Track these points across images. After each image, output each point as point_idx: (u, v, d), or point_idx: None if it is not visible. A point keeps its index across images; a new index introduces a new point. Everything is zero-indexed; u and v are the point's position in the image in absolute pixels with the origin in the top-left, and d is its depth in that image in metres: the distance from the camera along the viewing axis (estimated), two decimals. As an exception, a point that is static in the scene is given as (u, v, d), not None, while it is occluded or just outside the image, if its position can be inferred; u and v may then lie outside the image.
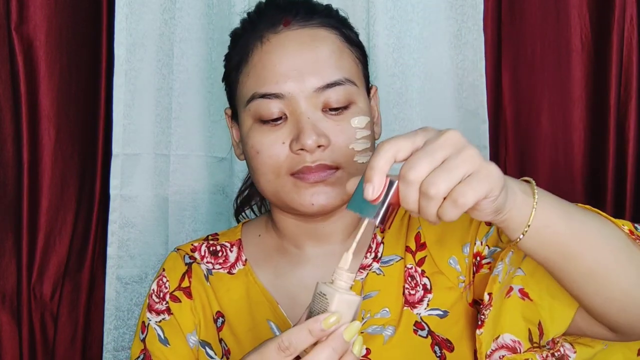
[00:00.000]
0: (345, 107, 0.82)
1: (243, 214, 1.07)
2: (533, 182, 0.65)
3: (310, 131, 0.79)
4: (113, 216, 1.31)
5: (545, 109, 1.36)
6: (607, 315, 0.68)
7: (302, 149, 0.79)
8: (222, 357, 0.86)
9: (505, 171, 1.37)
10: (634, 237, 0.70)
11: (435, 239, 0.85)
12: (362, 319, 0.84)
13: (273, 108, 0.81)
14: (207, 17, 1.33)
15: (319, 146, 0.80)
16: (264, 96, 0.81)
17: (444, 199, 0.57)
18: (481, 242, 0.81)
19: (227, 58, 0.90)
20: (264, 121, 0.82)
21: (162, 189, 1.34)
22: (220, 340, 0.87)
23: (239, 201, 1.06)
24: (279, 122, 0.82)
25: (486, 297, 0.74)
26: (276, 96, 0.81)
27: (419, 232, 0.86)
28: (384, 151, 0.58)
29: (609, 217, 0.71)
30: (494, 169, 0.58)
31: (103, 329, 1.32)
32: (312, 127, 0.79)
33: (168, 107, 1.33)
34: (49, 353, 1.32)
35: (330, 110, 0.81)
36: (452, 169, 0.56)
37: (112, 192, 1.30)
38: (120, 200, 1.31)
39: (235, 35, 0.90)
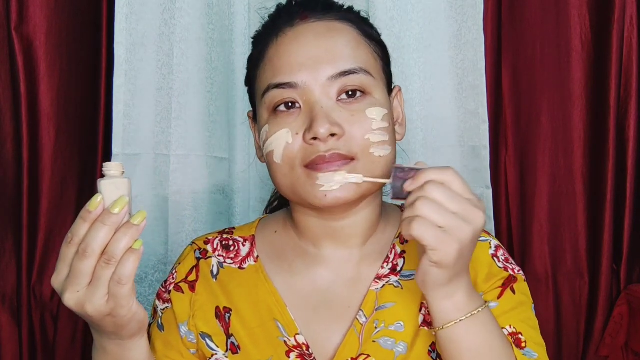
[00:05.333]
0: (361, 96, 0.80)
1: None
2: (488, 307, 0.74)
3: (323, 119, 0.77)
4: (113, 216, 1.30)
5: (545, 109, 1.36)
6: None
7: (315, 138, 0.77)
8: (226, 351, 0.85)
9: (506, 171, 1.38)
10: None
11: None
12: (361, 325, 0.83)
13: (286, 96, 0.80)
14: (207, 17, 1.33)
15: (332, 135, 0.77)
16: (278, 86, 0.80)
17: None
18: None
19: (249, 59, 0.89)
20: (278, 111, 0.80)
21: (162, 189, 1.33)
22: (231, 335, 0.86)
23: (268, 211, 1.04)
24: (292, 110, 0.80)
25: None
26: (290, 85, 0.79)
27: None
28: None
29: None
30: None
31: (103, 329, 1.32)
32: (325, 116, 0.77)
33: (168, 107, 1.33)
34: (49, 353, 1.32)
35: (346, 97, 0.79)
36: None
37: (112, 192, 1.30)
38: (120, 200, 1.31)
39: (256, 36, 0.89)
